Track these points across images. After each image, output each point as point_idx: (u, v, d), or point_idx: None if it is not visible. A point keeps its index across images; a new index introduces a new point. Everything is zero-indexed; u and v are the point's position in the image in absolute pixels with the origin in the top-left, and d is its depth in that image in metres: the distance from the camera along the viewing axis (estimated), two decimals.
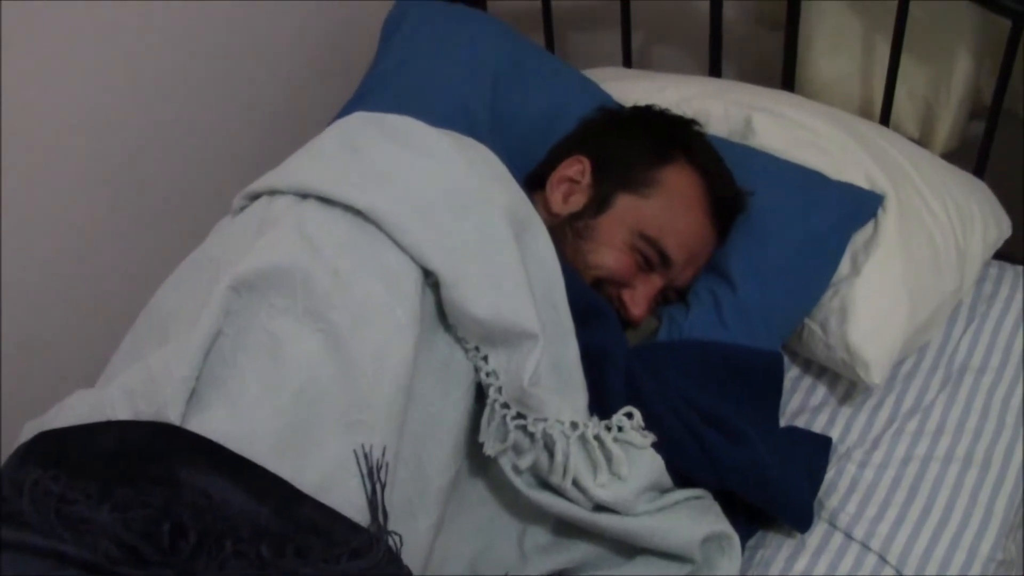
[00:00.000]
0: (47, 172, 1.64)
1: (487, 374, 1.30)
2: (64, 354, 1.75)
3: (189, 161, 1.88)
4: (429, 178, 1.35)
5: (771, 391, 1.57)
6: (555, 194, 1.59)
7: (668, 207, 1.56)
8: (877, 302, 1.62)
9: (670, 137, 1.64)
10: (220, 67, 1.88)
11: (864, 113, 1.98)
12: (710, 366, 1.54)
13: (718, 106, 1.84)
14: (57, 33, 1.58)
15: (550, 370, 1.32)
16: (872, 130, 1.85)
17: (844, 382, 1.69)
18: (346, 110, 1.75)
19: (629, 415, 1.34)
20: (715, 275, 1.64)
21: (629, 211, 1.55)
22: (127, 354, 1.33)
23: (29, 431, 1.21)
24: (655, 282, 1.56)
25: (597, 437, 1.31)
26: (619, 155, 1.61)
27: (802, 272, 1.64)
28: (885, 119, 1.94)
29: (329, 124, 1.65)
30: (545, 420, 1.28)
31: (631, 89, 1.87)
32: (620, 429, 1.33)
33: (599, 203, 1.56)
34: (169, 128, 1.82)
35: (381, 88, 1.81)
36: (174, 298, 1.35)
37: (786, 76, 2.01)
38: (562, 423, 1.29)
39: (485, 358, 1.30)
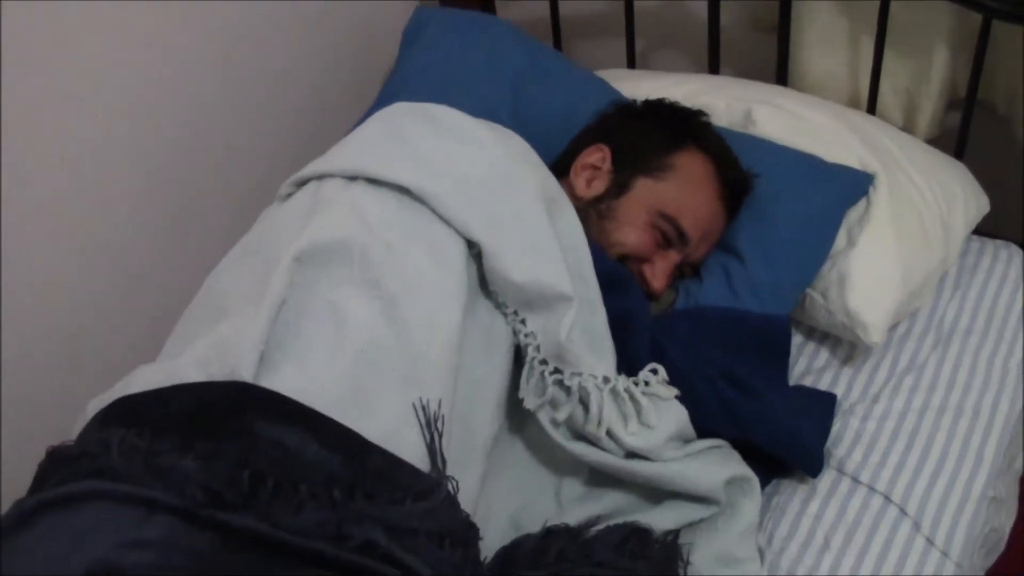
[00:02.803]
0: (60, 173, 1.66)
1: (525, 335, 1.40)
2: (74, 354, 1.76)
3: (210, 166, 1.92)
4: (469, 160, 1.45)
5: (780, 352, 1.66)
6: (578, 179, 1.68)
7: (683, 188, 1.66)
8: (872, 270, 1.72)
9: (682, 126, 1.74)
10: (242, 69, 1.94)
11: (852, 105, 2.07)
12: (725, 330, 1.63)
13: (720, 101, 1.93)
14: (81, 35, 1.62)
15: (582, 333, 1.41)
16: (862, 119, 1.95)
17: (845, 345, 1.79)
18: (371, 113, 1.81)
19: (654, 371, 1.44)
20: (725, 251, 1.75)
21: (648, 193, 1.65)
22: (183, 335, 1.39)
23: (93, 407, 1.26)
24: (672, 258, 1.66)
25: (627, 390, 1.41)
26: (636, 143, 1.71)
27: (803, 246, 1.74)
28: (871, 111, 2.04)
29: (353, 126, 1.71)
30: (580, 375, 1.38)
31: (638, 87, 1.96)
32: (647, 383, 1.43)
33: (620, 187, 1.66)
34: (192, 133, 1.86)
35: (406, 91, 1.88)
36: (228, 280, 1.42)
37: (780, 73, 2.10)
38: (595, 377, 1.39)
39: (523, 321, 1.40)
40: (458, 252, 1.38)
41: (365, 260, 1.32)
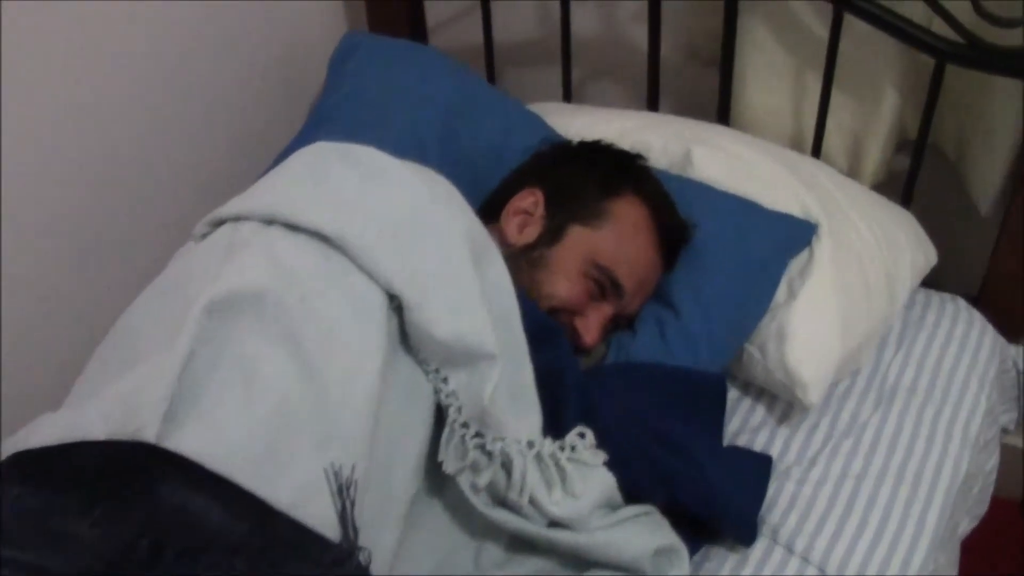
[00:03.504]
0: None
1: (447, 395, 1.33)
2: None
3: (132, 194, 1.89)
4: (392, 205, 1.38)
5: (715, 411, 1.62)
6: (510, 225, 1.63)
7: (619, 237, 1.61)
8: (813, 326, 1.67)
9: (619, 170, 1.69)
10: (166, 95, 1.91)
11: (795, 146, 2.04)
12: (658, 387, 1.58)
13: (658, 139, 1.89)
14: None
15: (507, 391, 1.35)
16: (805, 162, 1.91)
17: (782, 403, 1.74)
18: (298, 140, 1.78)
19: (582, 435, 1.39)
20: (659, 303, 1.70)
21: (582, 242, 1.60)
22: (95, 376, 1.32)
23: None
24: (606, 310, 1.61)
25: (552, 456, 1.35)
26: (571, 187, 1.65)
27: (741, 298, 1.70)
28: (816, 152, 2.00)
29: (283, 150, 1.68)
30: (503, 439, 1.33)
31: (573, 123, 1.93)
32: (573, 448, 1.37)
33: (552, 234, 1.61)
34: (114, 161, 1.84)
35: (334, 119, 1.85)
36: (141, 321, 1.35)
37: (721, 109, 2.06)
38: (519, 442, 1.33)
39: (445, 380, 1.33)
40: (378, 305, 1.30)
41: (280, 311, 1.25)
